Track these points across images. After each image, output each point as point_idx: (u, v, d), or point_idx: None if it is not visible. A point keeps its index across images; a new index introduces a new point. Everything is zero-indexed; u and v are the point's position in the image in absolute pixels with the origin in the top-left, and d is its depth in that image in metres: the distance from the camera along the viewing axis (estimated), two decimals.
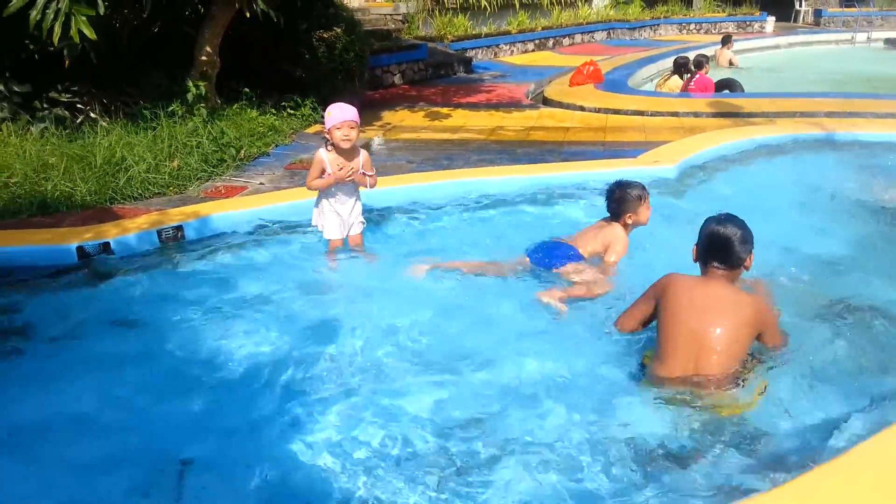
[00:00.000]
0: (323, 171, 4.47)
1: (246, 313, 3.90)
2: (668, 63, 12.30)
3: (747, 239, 3.07)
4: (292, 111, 8.46)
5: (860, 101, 9.19)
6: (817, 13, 25.57)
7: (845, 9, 25.22)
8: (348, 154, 4.47)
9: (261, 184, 6.17)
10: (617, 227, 4.32)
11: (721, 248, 3.06)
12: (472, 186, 5.71)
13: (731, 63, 15.15)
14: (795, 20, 25.93)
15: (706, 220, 3.19)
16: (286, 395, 3.20)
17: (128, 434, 2.96)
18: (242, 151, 6.88)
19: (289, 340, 3.62)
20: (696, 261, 3.19)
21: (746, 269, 3.13)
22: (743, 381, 2.94)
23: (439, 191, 5.63)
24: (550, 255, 4.27)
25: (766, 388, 2.95)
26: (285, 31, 8.14)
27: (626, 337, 3.43)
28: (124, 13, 7.27)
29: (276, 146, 7.45)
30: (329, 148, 4.46)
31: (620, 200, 4.29)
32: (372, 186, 4.61)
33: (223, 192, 5.93)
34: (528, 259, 4.34)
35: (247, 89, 8.11)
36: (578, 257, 4.24)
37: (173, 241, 4.76)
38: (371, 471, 2.70)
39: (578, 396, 3.08)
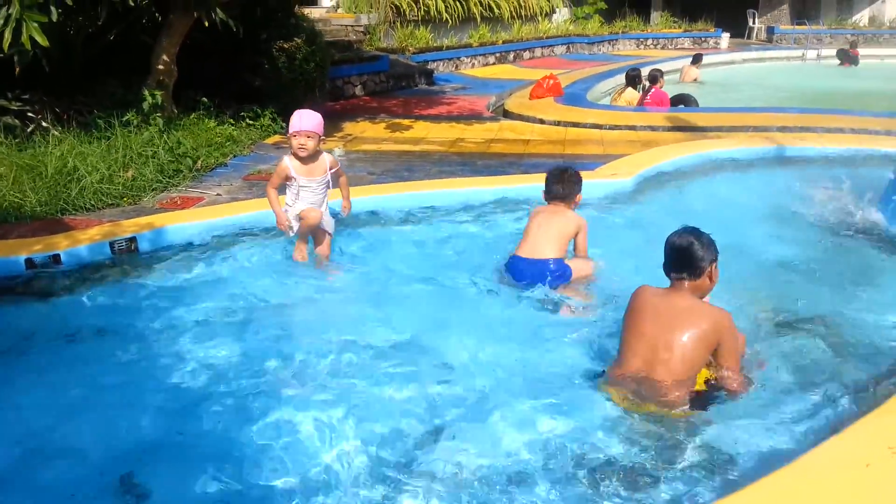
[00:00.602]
0: (286, 178, 4.48)
1: (202, 327, 3.83)
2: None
3: (707, 248, 3.08)
4: (251, 121, 8.38)
5: (812, 115, 9.42)
6: (770, 30, 26.26)
7: (796, 26, 25.92)
8: (309, 160, 4.46)
9: (218, 195, 6.08)
10: (572, 211, 4.34)
11: (680, 256, 3.08)
12: (433, 198, 5.71)
13: (694, 80, 15.54)
14: (749, 37, 26.59)
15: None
16: (243, 409, 3.13)
17: (78, 452, 2.87)
18: (199, 162, 6.78)
19: (245, 355, 3.56)
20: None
21: (711, 280, 3.12)
22: (698, 391, 2.97)
23: (400, 202, 5.61)
24: (549, 278, 4.11)
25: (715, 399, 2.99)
26: (245, 40, 8.07)
27: (589, 339, 3.53)
28: (79, 20, 7.14)
29: (235, 157, 7.37)
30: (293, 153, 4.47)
31: (574, 181, 4.33)
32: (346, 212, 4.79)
33: (179, 203, 5.83)
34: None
35: (205, 99, 8.02)
36: (567, 268, 4.16)
37: (126, 253, 4.66)
38: (327, 481, 2.66)
39: (537, 395, 3.13)
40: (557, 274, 4.11)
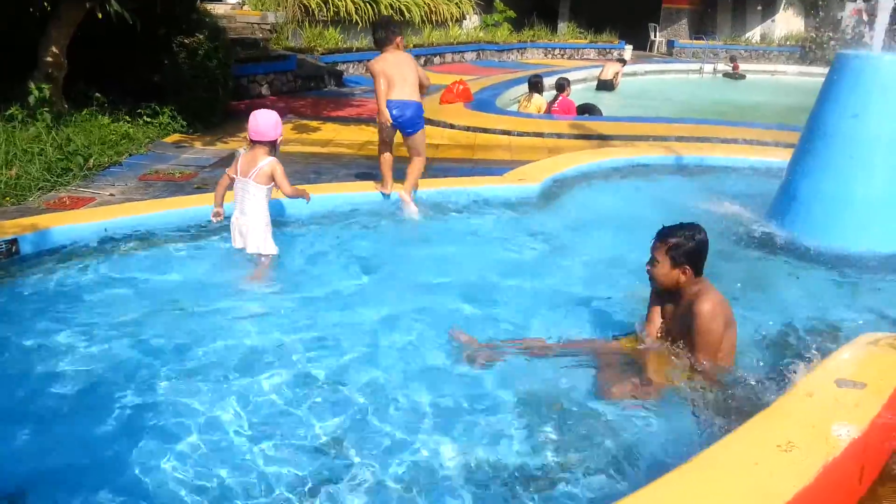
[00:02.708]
0: None
1: (88, 334, 3.60)
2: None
3: (668, 247, 3.22)
4: (149, 119, 8.03)
5: (709, 126, 9.84)
6: (670, 44, 27.35)
7: (694, 41, 27.11)
8: None
9: (111, 195, 5.78)
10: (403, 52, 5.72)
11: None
12: (341, 201, 5.62)
13: (616, 73, 16.66)
14: (650, 49, 27.61)
15: (697, 233, 3.22)
16: (132, 417, 2.97)
17: None
18: (91, 160, 6.43)
19: (134, 363, 3.37)
20: (699, 273, 3.24)
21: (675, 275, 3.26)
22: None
23: (305, 205, 5.47)
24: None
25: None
26: (143, 34, 7.71)
27: None
28: None
29: (130, 156, 7.04)
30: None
31: (391, 26, 5.69)
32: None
33: (68, 203, 5.51)
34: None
35: (98, 94, 7.62)
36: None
37: (6, 256, 4.34)
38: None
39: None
40: (420, 115, 5.69)
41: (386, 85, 5.42)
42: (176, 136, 8.03)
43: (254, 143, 4.42)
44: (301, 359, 3.46)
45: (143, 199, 5.56)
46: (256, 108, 4.67)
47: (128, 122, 7.68)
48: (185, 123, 8.31)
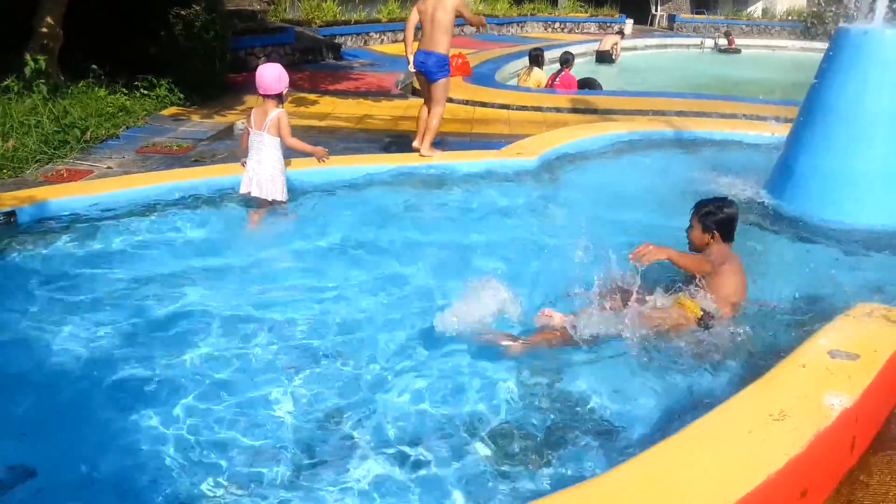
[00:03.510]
0: None
1: (84, 305, 3.63)
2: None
3: (697, 216, 3.66)
4: (146, 91, 7.98)
5: (708, 101, 9.79)
6: (671, 18, 27.13)
7: (696, 16, 26.89)
8: None
9: (108, 168, 5.77)
10: None
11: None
12: (337, 174, 5.61)
13: (615, 44, 16.99)
14: (652, 24, 27.40)
15: (727, 205, 3.62)
16: (126, 390, 3.00)
17: None
18: (88, 133, 6.40)
19: (128, 335, 3.40)
20: (727, 240, 3.61)
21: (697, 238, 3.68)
22: None
23: (304, 178, 5.47)
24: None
25: None
26: (139, 5, 7.65)
27: None
28: None
29: (127, 128, 7.02)
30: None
31: None
32: None
33: (66, 175, 5.51)
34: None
35: (95, 66, 7.57)
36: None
37: (4, 227, 4.34)
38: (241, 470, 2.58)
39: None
40: (442, 65, 5.98)
41: (418, 31, 5.99)
42: (173, 109, 8.00)
43: (263, 97, 4.71)
44: (300, 325, 3.53)
45: (140, 171, 5.55)
46: (255, 82, 4.77)
47: (125, 94, 7.65)
48: (182, 96, 8.27)
